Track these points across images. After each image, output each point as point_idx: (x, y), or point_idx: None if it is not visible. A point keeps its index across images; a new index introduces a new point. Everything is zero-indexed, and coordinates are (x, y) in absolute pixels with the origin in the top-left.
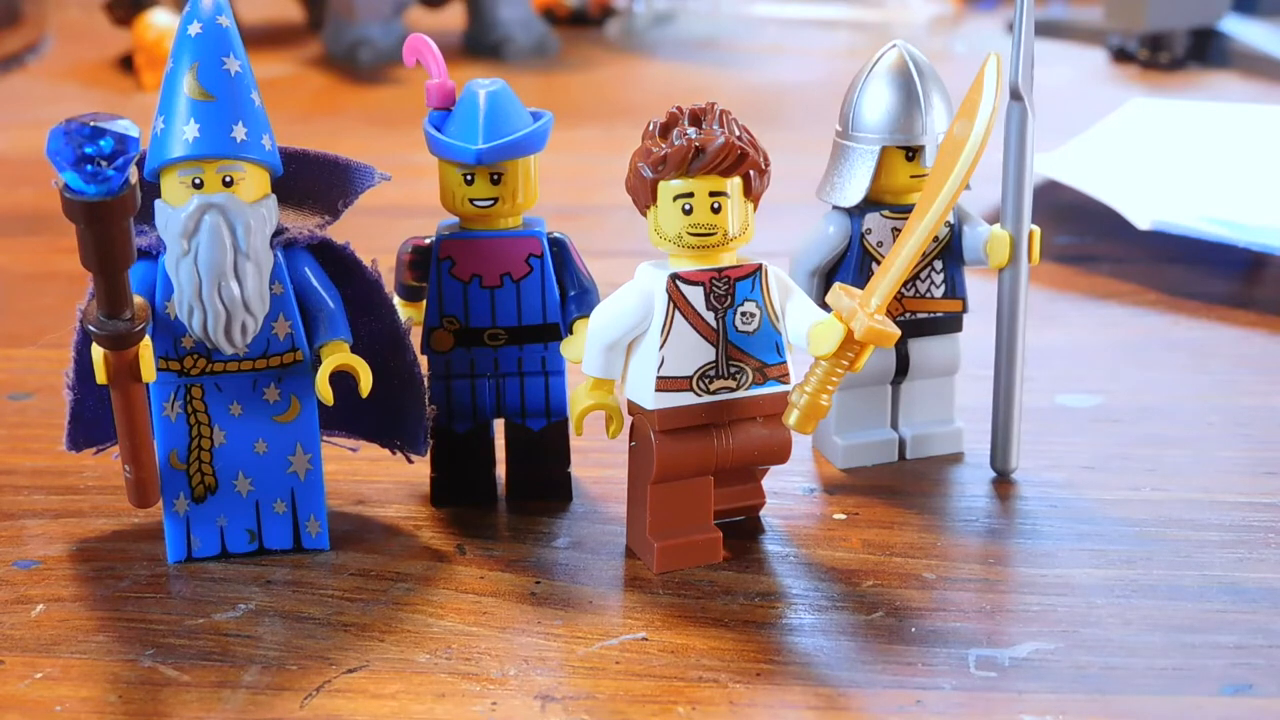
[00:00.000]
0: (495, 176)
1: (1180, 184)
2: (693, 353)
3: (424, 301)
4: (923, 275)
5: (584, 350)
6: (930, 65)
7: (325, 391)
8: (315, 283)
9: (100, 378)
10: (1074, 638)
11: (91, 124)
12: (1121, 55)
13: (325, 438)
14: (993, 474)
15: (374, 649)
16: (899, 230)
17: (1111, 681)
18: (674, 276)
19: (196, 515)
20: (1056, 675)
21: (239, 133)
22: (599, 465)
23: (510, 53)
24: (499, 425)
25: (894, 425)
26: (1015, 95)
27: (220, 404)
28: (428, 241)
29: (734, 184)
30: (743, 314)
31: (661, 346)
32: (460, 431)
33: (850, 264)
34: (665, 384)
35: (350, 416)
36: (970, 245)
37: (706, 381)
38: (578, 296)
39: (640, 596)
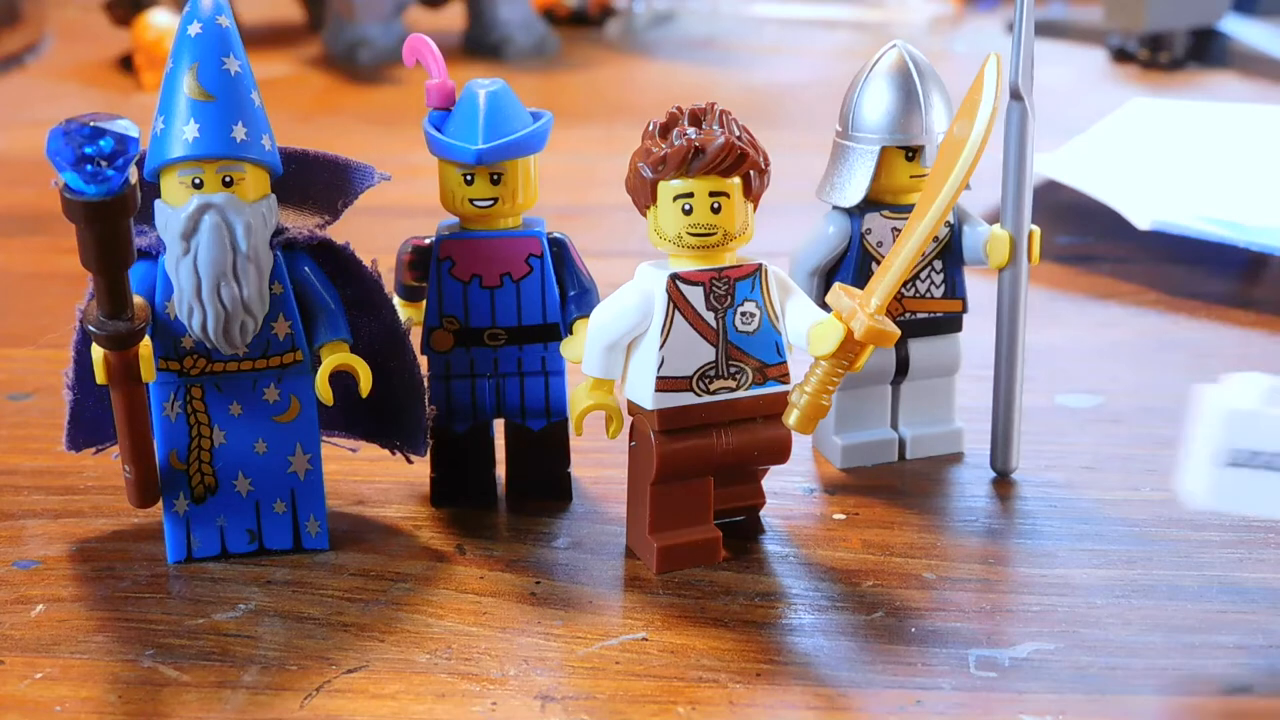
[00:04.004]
0: (495, 176)
1: (1180, 184)
2: (692, 353)
3: (424, 301)
4: (923, 275)
5: (584, 350)
6: (930, 65)
7: (325, 391)
8: (315, 283)
9: (100, 378)
10: (1074, 638)
11: (91, 124)
12: (1121, 55)
13: (325, 438)
14: (993, 474)
15: (374, 649)
16: (899, 230)
17: (1111, 681)
18: (674, 276)
19: (196, 515)
20: (1056, 675)
21: (239, 133)
22: (599, 465)
23: (510, 53)
24: (499, 425)
25: (894, 425)
26: (1015, 95)
27: (220, 404)
28: (428, 241)
29: (734, 184)
30: (742, 314)
31: (661, 346)
32: (460, 431)
33: (850, 264)
34: (665, 384)
35: (350, 417)
36: (970, 245)
37: (706, 381)
38: (578, 296)
39: (640, 596)
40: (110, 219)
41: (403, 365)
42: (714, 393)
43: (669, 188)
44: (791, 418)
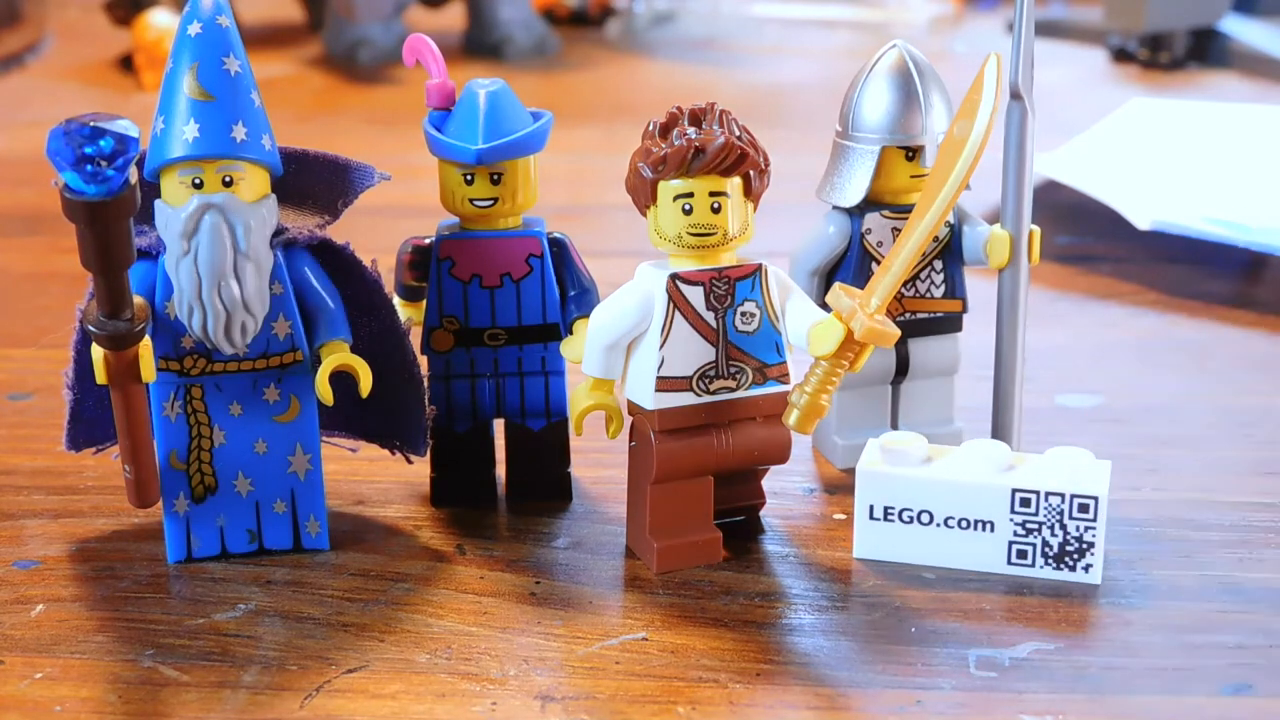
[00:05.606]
0: (495, 176)
1: (1180, 184)
2: (693, 353)
3: (424, 301)
4: (923, 275)
5: (584, 350)
6: (930, 65)
7: (325, 391)
8: (315, 283)
9: (100, 378)
10: (1074, 638)
11: (91, 124)
12: (1121, 55)
13: (325, 438)
14: None
15: (374, 649)
16: (899, 230)
17: (1111, 681)
18: (674, 276)
19: (196, 515)
20: (1056, 675)
21: (239, 133)
22: (599, 465)
23: (510, 53)
24: (499, 425)
25: (894, 425)
26: (1015, 95)
27: (220, 404)
28: (428, 241)
29: (734, 184)
30: (743, 314)
31: (661, 346)
32: (460, 431)
33: (850, 264)
34: (665, 384)
35: (350, 417)
36: (970, 245)
37: (706, 381)
38: (578, 296)
39: (640, 596)
40: (110, 219)
41: (403, 365)
42: (714, 393)
43: (669, 187)
44: (791, 418)
